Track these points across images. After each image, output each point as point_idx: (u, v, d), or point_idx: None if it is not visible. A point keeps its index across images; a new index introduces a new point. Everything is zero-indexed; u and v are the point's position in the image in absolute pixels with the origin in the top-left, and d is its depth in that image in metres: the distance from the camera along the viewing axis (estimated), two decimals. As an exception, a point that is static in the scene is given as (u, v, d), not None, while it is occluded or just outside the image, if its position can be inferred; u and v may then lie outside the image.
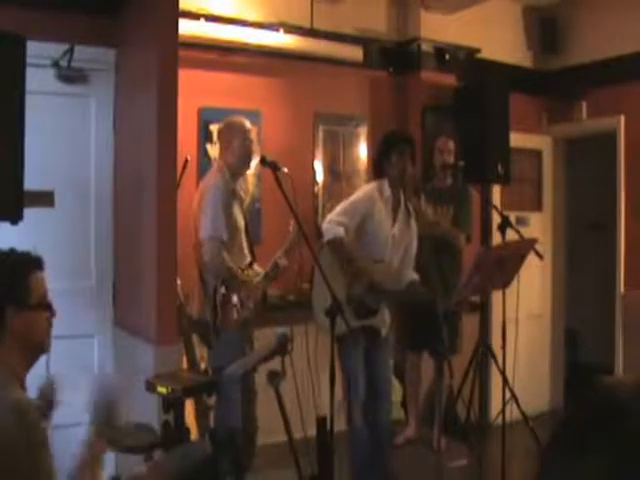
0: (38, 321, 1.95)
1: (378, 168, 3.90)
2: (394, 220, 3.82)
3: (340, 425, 3.66)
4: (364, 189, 3.94)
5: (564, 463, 0.70)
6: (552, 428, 0.74)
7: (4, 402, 1.75)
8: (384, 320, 3.85)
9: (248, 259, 3.83)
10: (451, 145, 4.72)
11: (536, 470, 0.72)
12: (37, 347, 1.97)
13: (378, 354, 3.84)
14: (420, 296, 3.77)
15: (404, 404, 4.99)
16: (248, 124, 3.84)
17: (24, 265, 1.93)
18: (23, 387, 1.90)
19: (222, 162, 3.81)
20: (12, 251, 1.95)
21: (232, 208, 3.69)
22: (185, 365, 3.64)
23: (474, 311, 4.64)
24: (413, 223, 3.89)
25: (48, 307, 1.98)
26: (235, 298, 3.66)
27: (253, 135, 3.88)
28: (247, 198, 4.83)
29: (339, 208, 3.81)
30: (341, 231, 3.67)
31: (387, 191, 3.80)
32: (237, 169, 3.80)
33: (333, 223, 3.71)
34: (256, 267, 3.87)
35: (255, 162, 3.92)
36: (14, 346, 1.88)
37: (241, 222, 3.79)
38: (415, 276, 3.87)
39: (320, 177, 5.21)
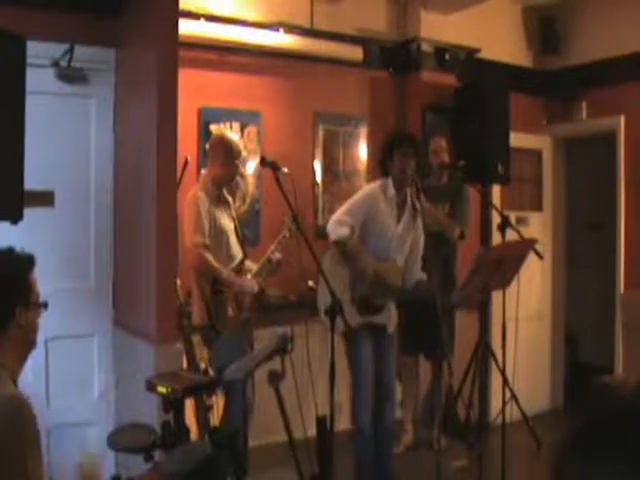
0: (36, 319, 1.97)
1: (382, 167, 3.92)
2: (399, 219, 3.83)
3: (340, 425, 3.67)
4: (367, 188, 3.97)
5: (578, 469, 0.69)
6: (561, 435, 0.74)
7: None
8: (390, 317, 3.86)
9: (239, 258, 3.94)
10: (443, 143, 4.73)
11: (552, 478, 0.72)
12: (33, 343, 2.00)
13: (385, 352, 3.85)
14: (424, 295, 3.77)
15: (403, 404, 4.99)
16: (239, 146, 4.03)
17: (26, 264, 1.95)
18: (16, 385, 1.91)
19: (207, 172, 4.04)
20: (11, 251, 1.96)
21: (215, 213, 3.86)
22: (185, 365, 3.65)
23: (475, 308, 4.64)
24: (419, 222, 3.89)
25: (44, 304, 2.00)
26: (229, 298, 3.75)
27: (241, 155, 4.07)
28: (247, 198, 4.85)
29: (343, 208, 3.83)
30: (346, 231, 3.68)
31: (391, 190, 3.81)
32: (221, 181, 3.98)
33: (337, 223, 3.73)
34: (248, 263, 3.99)
35: (255, 163, 4.00)
36: (13, 345, 1.89)
37: (228, 225, 3.94)
38: (423, 276, 3.88)
39: (320, 177, 5.21)
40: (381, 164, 3.94)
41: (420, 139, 4.93)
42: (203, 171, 4.22)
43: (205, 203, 3.81)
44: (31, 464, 1.74)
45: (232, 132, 4.63)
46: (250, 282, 3.89)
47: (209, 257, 3.75)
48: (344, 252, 3.72)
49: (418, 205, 3.87)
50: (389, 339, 3.88)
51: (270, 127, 4.93)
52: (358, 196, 3.89)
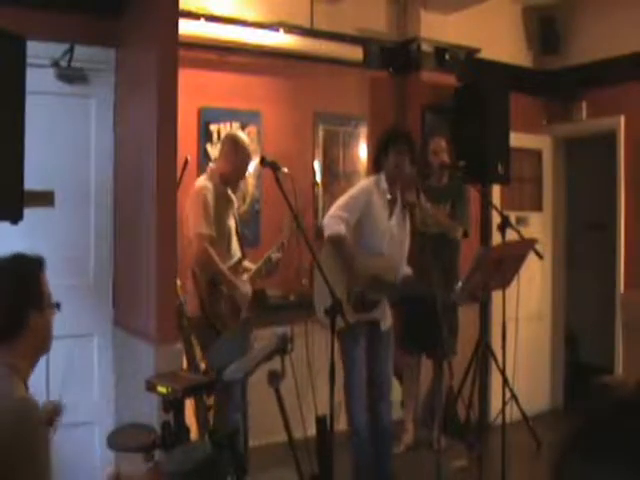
0: (49, 321, 1.98)
1: (376, 163, 3.92)
2: (391, 214, 3.83)
3: (340, 425, 3.66)
4: (362, 183, 3.99)
5: (578, 469, 0.69)
6: (561, 435, 0.73)
7: (9, 401, 1.76)
8: (384, 313, 3.85)
9: (237, 257, 3.95)
10: (443, 144, 4.73)
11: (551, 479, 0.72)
12: (46, 347, 2.01)
13: (379, 349, 3.82)
14: (419, 290, 3.78)
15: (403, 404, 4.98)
16: (248, 149, 4.02)
17: (36, 268, 1.95)
18: (26, 388, 1.92)
19: (215, 168, 4.00)
20: (21, 255, 1.96)
21: (220, 209, 3.85)
22: (185, 365, 3.65)
23: (475, 302, 4.62)
24: (407, 221, 3.90)
25: (56, 305, 2.02)
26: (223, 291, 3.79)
27: (250, 158, 4.06)
28: (247, 198, 4.86)
29: (339, 202, 3.82)
30: (342, 228, 3.67)
31: (383, 184, 3.81)
32: (228, 179, 3.97)
33: (334, 218, 3.72)
34: (246, 263, 4.01)
35: (255, 163, 4.02)
36: (26, 348, 1.90)
37: (230, 223, 3.95)
38: (409, 271, 3.88)
39: (320, 177, 5.21)
40: (375, 161, 3.94)
41: (420, 139, 4.95)
42: (211, 164, 4.21)
43: (212, 193, 3.81)
44: (41, 465, 1.74)
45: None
46: (246, 286, 3.90)
47: (212, 251, 3.74)
48: (337, 249, 3.71)
49: (407, 206, 3.88)
50: (384, 337, 3.84)
51: (270, 127, 4.93)
52: (354, 192, 3.86)
